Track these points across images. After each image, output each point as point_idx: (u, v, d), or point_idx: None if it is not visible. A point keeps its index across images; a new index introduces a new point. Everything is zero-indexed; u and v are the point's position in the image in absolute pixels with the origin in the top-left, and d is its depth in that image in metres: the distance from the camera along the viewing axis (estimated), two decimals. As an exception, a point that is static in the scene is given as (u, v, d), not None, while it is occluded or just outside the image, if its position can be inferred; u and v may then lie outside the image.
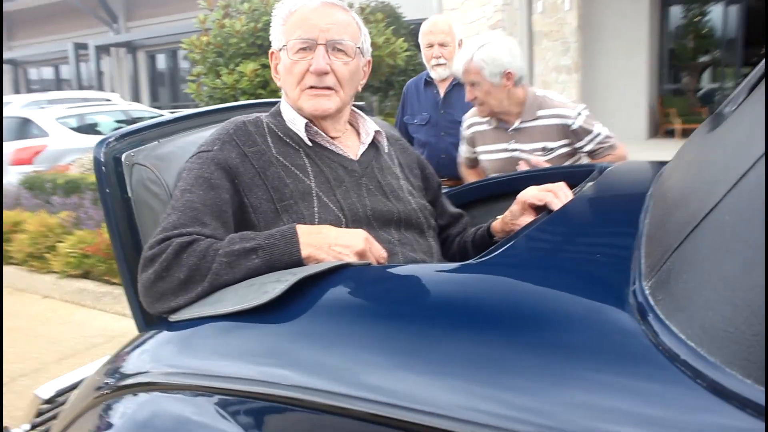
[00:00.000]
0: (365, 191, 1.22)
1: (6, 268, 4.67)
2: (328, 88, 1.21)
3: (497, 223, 1.36)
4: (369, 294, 0.86)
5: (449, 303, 0.77)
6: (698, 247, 0.62)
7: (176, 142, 1.32)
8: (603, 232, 1.02)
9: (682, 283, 0.60)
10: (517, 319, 0.69)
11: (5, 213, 5.04)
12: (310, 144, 1.22)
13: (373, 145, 1.31)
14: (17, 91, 17.07)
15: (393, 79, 7.83)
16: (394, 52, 7.43)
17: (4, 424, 1.48)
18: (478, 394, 0.60)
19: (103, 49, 16.25)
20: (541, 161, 2.04)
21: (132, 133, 1.28)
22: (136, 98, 15.26)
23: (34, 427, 1.41)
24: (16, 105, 9.43)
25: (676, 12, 11.15)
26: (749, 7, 10.34)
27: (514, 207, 1.29)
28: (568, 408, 0.55)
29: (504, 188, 1.70)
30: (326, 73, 1.19)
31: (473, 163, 2.34)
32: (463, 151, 2.37)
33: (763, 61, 0.82)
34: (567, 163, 2.09)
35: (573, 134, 2.06)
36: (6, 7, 17.29)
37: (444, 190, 1.56)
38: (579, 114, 2.05)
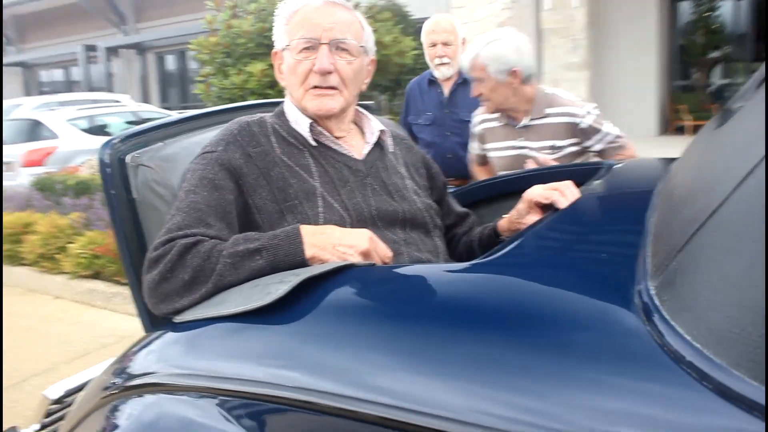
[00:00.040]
0: (370, 191, 1.21)
1: (18, 269, 4.71)
2: (332, 87, 1.21)
3: (503, 222, 1.35)
4: (374, 294, 0.85)
5: (454, 303, 0.76)
6: (704, 246, 0.61)
7: (181, 143, 1.32)
8: (609, 231, 1.01)
9: (687, 283, 0.59)
10: (523, 320, 0.68)
11: (17, 214, 5.08)
12: (314, 144, 1.22)
13: (378, 144, 1.31)
14: (28, 94, 17.18)
15: (401, 78, 7.82)
16: (401, 51, 7.44)
17: (14, 424, 1.49)
18: (488, 396, 0.59)
19: (112, 51, 16.36)
20: (549, 159, 2.03)
21: (136, 134, 1.28)
22: (145, 99, 15.34)
23: (43, 427, 1.41)
24: (27, 107, 9.50)
25: (685, 7, 11.06)
26: (760, 1, 10.24)
27: (521, 206, 1.28)
28: (576, 411, 0.55)
29: (511, 187, 1.69)
30: (330, 73, 1.19)
31: (483, 160, 2.34)
32: (474, 148, 2.36)
33: None
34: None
35: (581, 133, 2.04)
36: (17, 10, 17.44)
37: (450, 190, 1.56)
38: (588, 113, 2.04)
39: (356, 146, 1.28)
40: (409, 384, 0.64)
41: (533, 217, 1.24)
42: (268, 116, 1.27)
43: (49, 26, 17.89)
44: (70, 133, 7.56)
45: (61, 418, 1.37)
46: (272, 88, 6.07)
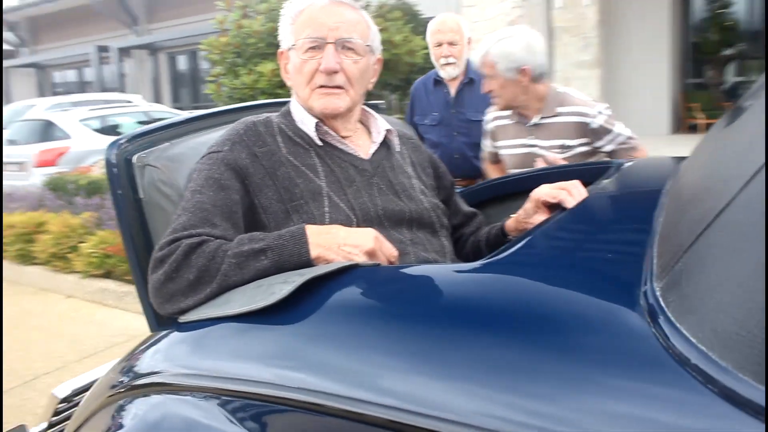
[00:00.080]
0: (376, 191, 1.21)
1: (30, 268, 4.76)
2: (338, 87, 1.20)
3: (511, 222, 1.34)
4: (380, 295, 0.85)
5: (460, 304, 0.76)
6: (710, 246, 0.60)
7: (187, 143, 1.33)
8: (616, 231, 1.00)
9: (693, 284, 0.58)
10: (530, 321, 0.68)
11: (30, 214, 5.13)
12: (320, 143, 1.21)
13: (385, 144, 1.30)
14: (42, 94, 17.32)
15: (411, 77, 7.80)
16: (412, 50, 7.42)
17: (24, 422, 1.50)
18: (497, 400, 0.59)
19: (124, 52, 16.44)
20: (558, 158, 2.01)
21: (143, 134, 1.28)
22: (157, 99, 15.42)
23: (51, 425, 1.42)
24: (41, 108, 9.58)
25: (698, 4, 10.94)
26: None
27: (528, 205, 1.27)
28: (588, 415, 0.54)
29: (520, 186, 1.68)
30: (336, 72, 1.19)
31: (495, 158, 2.33)
32: (486, 145, 2.36)
33: None
34: None
35: (592, 133, 2.03)
36: (31, 12, 17.59)
37: (458, 190, 1.55)
38: (599, 113, 2.02)
39: (363, 146, 1.27)
40: (416, 386, 0.63)
41: (540, 217, 1.23)
42: (274, 116, 1.27)
43: (62, 28, 18.02)
44: (83, 134, 7.62)
45: (69, 417, 1.38)
46: (282, 87, 6.07)
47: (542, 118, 2.08)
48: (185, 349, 0.91)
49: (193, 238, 1.01)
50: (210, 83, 7.22)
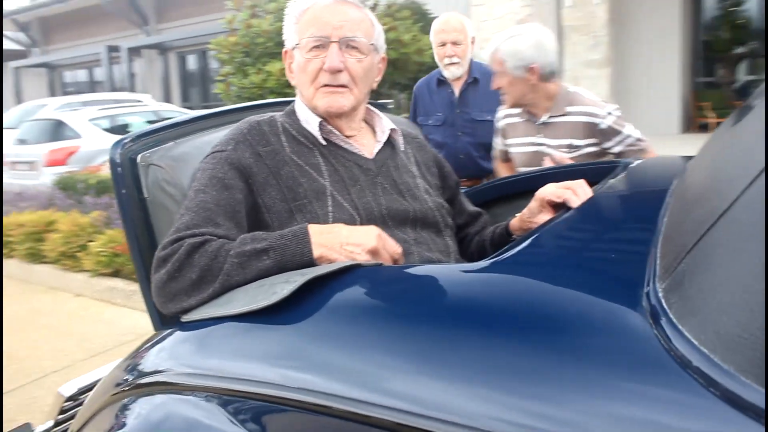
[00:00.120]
0: (380, 190, 1.20)
1: (40, 267, 4.79)
2: (343, 86, 1.20)
3: (515, 221, 1.33)
4: (384, 294, 0.84)
5: (463, 304, 0.75)
6: (713, 247, 0.59)
7: (191, 143, 1.33)
8: (620, 231, 0.99)
9: (696, 286, 0.57)
10: (532, 322, 0.67)
11: (40, 213, 5.17)
12: (324, 143, 1.21)
13: (389, 143, 1.30)
14: (53, 94, 17.45)
15: (420, 76, 7.80)
16: (421, 50, 7.41)
17: (33, 420, 1.51)
18: (503, 402, 0.58)
19: (134, 51, 16.53)
20: (565, 158, 2.00)
21: (147, 134, 1.29)
22: (167, 99, 15.48)
23: (57, 424, 1.43)
24: (51, 107, 9.65)
25: (710, 2, 10.85)
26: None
27: (533, 204, 1.26)
28: (588, 417, 0.53)
29: (526, 186, 1.67)
30: (340, 71, 1.18)
31: (506, 156, 2.32)
32: (497, 143, 2.35)
33: None
34: None
35: (601, 134, 2.01)
36: (42, 12, 17.71)
37: (463, 190, 1.54)
38: (609, 114, 2.00)
39: (367, 145, 1.27)
40: (419, 387, 0.63)
41: (545, 216, 1.22)
42: (278, 115, 1.27)
43: (73, 28, 18.14)
44: (92, 133, 7.67)
45: (74, 416, 1.39)
46: (291, 87, 6.08)
47: (551, 116, 2.07)
48: (189, 349, 0.91)
49: (195, 238, 1.01)
50: (219, 83, 7.25)
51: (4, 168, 7.73)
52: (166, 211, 1.23)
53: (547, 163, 1.99)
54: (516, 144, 2.20)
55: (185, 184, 1.23)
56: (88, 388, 1.41)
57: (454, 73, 2.68)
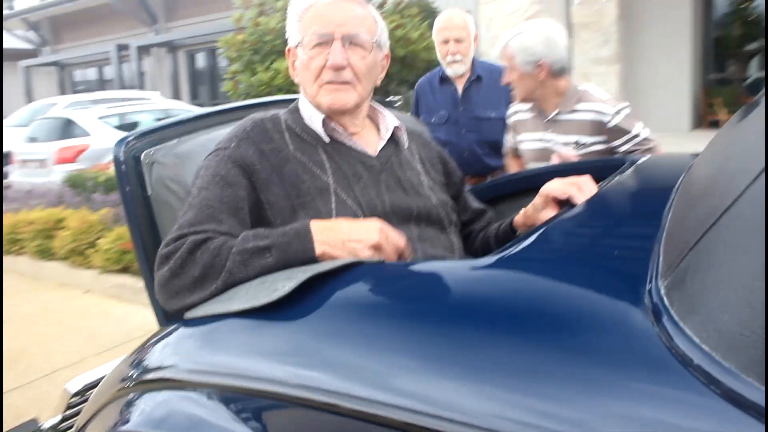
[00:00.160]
0: (384, 187, 1.20)
1: (49, 264, 4.83)
2: (346, 82, 1.19)
3: (519, 217, 1.32)
4: (388, 291, 0.84)
5: (466, 301, 0.75)
6: (716, 244, 0.58)
7: (195, 140, 1.33)
8: (624, 228, 0.98)
9: (698, 283, 0.57)
10: (536, 320, 0.67)
11: (49, 210, 5.21)
12: (327, 140, 1.21)
13: (393, 140, 1.29)
14: (63, 93, 17.52)
15: (428, 73, 7.78)
16: (429, 47, 7.39)
17: (37, 416, 1.53)
18: (508, 401, 0.58)
19: (144, 50, 16.58)
20: (572, 155, 1.99)
21: (151, 131, 1.29)
22: (176, 96, 15.52)
23: (64, 419, 1.44)
24: (60, 106, 9.70)
25: (721, -2, 10.78)
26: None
27: (537, 200, 1.26)
28: (592, 415, 0.53)
29: (533, 183, 1.66)
30: (343, 68, 1.18)
31: (516, 151, 2.32)
32: (507, 139, 2.34)
33: None
34: None
35: (609, 132, 1.99)
36: (51, 12, 17.80)
37: (469, 188, 1.54)
38: (618, 112, 1.99)
39: (370, 142, 1.26)
40: (424, 385, 0.62)
41: (549, 212, 1.21)
42: (282, 113, 1.27)
43: (83, 27, 18.23)
44: (102, 131, 7.70)
45: (81, 411, 1.40)
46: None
47: (559, 113, 2.06)
48: (193, 345, 0.91)
49: (198, 235, 1.01)
50: (227, 80, 7.26)
51: (15, 166, 7.79)
52: (170, 209, 1.23)
53: (555, 161, 1.98)
54: (525, 140, 2.20)
55: (189, 181, 1.23)
56: (94, 385, 1.42)
57: (457, 70, 2.66)
